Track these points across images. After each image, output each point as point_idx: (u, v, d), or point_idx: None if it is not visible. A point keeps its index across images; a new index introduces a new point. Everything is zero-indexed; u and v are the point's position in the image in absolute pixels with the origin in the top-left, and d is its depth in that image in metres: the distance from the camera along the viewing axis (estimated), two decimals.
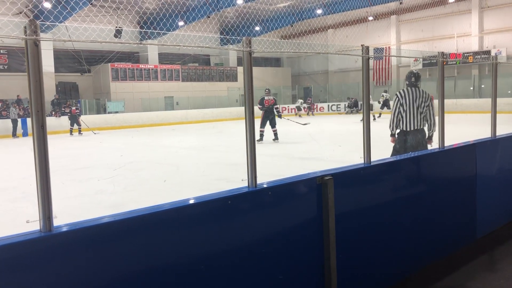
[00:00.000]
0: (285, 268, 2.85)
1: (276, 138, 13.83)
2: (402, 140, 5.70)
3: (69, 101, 24.61)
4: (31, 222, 2.00)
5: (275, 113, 13.76)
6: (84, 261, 2.07)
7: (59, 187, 7.59)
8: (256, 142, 2.72)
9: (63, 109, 23.55)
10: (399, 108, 5.64)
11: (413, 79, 5.71)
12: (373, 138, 3.56)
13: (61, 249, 2.02)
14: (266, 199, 2.79)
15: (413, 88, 5.66)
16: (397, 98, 5.67)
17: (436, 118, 4.89)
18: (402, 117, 5.63)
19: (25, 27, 1.90)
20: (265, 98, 13.68)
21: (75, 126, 20.57)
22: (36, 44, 1.91)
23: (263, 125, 13.71)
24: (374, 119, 20.53)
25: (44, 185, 1.97)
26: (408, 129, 5.62)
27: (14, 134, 19.97)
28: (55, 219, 2.02)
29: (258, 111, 13.45)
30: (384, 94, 24.64)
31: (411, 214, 3.78)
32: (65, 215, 5.13)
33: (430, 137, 5.69)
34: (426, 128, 5.68)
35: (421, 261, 3.91)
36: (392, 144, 5.90)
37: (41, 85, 1.95)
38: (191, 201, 2.52)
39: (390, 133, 5.83)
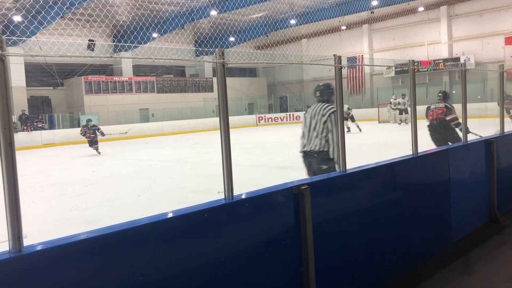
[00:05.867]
0: (264, 279, 2.83)
1: None
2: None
3: (41, 115, 24.11)
4: (0, 243, 1.94)
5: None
6: (58, 282, 2.01)
7: (31, 204, 7.40)
8: None
9: (35, 123, 23.07)
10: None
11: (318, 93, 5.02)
12: (349, 146, 3.59)
13: (33, 269, 1.95)
14: (243, 211, 2.77)
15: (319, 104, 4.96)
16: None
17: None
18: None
19: None
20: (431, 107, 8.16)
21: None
22: (2, 60, 1.86)
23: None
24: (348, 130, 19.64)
25: (13, 204, 1.91)
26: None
27: None
28: (25, 239, 1.96)
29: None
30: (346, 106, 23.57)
31: (387, 221, 3.82)
32: (38, 233, 5.00)
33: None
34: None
35: (399, 267, 3.95)
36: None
37: (8, 102, 1.89)
38: (168, 215, 2.48)
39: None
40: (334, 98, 4.62)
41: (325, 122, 4.75)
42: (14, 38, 18.71)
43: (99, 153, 16.02)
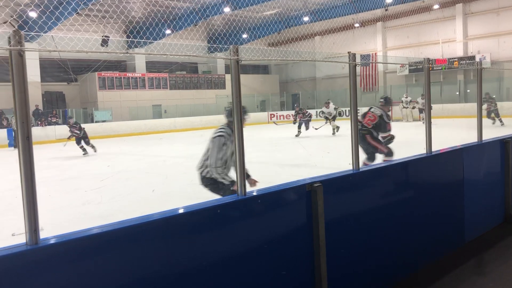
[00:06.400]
0: (275, 276, 2.83)
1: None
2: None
3: (55, 110, 24.38)
4: (17, 235, 1.97)
5: None
6: (72, 274, 2.04)
7: (46, 198, 7.50)
8: None
9: (49, 118, 23.33)
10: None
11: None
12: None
13: (49, 262, 1.99)
14: (256, 207, 2.78)
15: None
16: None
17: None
18: None
19: (9, 38, 1.88)
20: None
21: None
22: (21, 55, 1.89)
23: None
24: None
25: (30, 197, 1.94)
26: None
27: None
28: (41, 231, 1.99)
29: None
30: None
31: (400, 220, 3.80)
32: (53, 227, 5.08)
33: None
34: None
35: (411, 266, 3.93)
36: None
37: (26, 96, 1.92)
38: (180, 211, 2.50)
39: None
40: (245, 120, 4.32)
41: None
42: (32, 33, 18.92)
43: (84, 154, 15.02)
